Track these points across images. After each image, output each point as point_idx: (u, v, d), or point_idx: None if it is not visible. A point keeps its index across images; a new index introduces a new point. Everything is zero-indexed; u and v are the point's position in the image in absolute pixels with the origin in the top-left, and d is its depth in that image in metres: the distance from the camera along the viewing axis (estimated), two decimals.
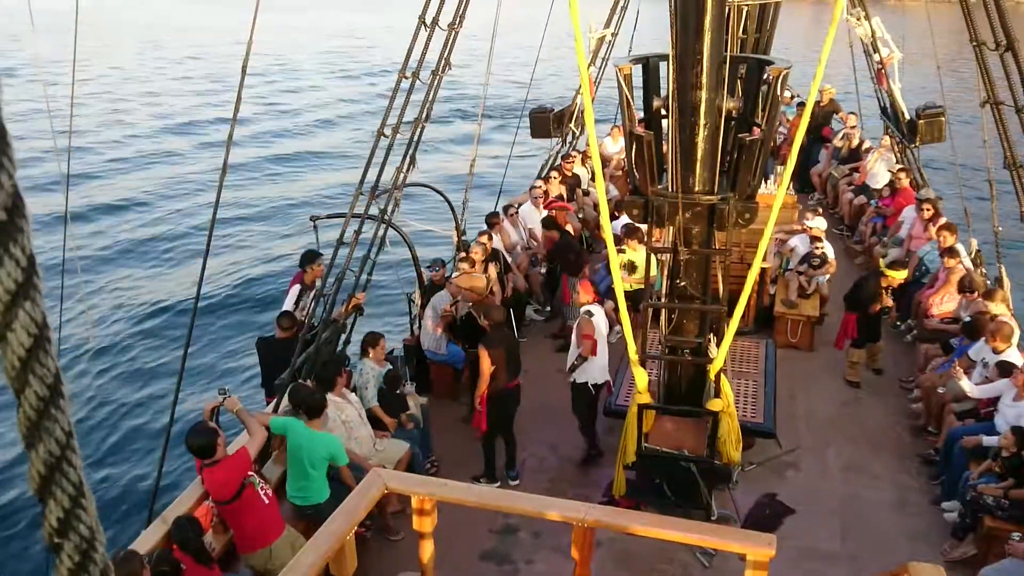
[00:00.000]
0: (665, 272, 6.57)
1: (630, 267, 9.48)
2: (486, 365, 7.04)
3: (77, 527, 1.05)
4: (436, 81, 8.08)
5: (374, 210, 7.83)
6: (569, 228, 11.43)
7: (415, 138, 8.08)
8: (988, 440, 6.73)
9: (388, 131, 7.43)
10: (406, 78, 7.67)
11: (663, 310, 6.59)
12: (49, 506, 1.03)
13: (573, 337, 7.57)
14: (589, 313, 7.54)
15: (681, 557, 6.35)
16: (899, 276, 9.43)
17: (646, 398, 6.40)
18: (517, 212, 11.60)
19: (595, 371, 7.46)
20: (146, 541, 5.08)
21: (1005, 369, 7.09)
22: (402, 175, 8.00)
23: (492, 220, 11.06)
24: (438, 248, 13.15)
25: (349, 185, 7.82)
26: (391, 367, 7.67)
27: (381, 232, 8.01)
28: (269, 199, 22.85)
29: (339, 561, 4.27)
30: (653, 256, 6.45)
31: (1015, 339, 7.52)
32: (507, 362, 7.20)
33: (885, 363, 9.69)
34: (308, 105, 37.13)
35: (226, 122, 6.25)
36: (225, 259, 18.09)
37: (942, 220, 10.51)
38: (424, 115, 8.11)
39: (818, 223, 10.79)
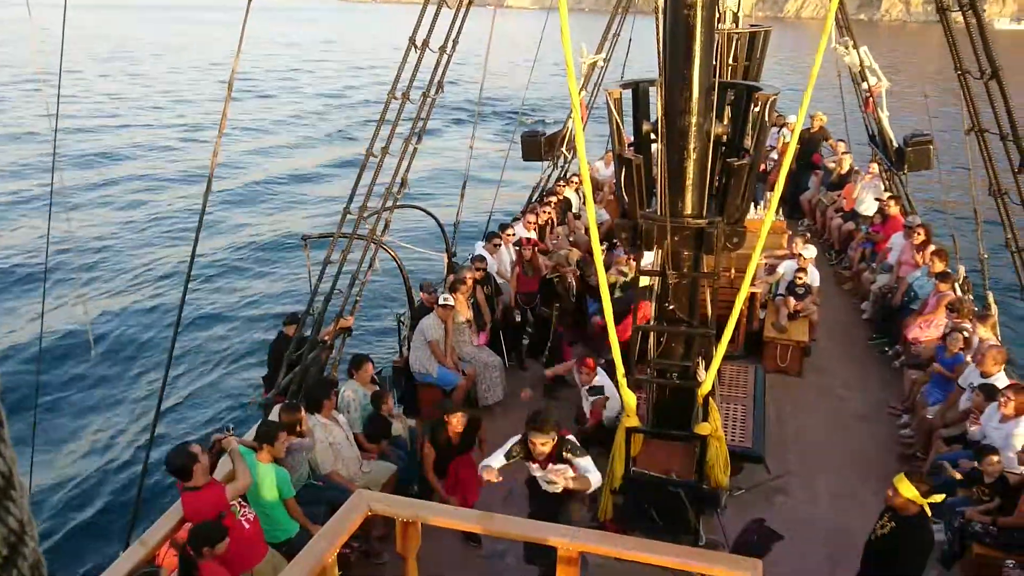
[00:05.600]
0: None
1: (622, 288, 9.49)
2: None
3: (5, 519, 1.02)
4: (428, 104, 8.11)
5: (364, 230, 7.81)
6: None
7: (407, 159, 8.09)
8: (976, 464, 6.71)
9: (377, 151, 7.44)
10: (396, 99, 7.70)
11: (652, 333, 6.59)
12: None
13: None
14: (601, 390, 7.78)
15: None
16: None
17: (634, 422, 6.37)
18: (514, 234, 11.61)
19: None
20: (124, 564, 4.99)
21: (988, 392, 7.10)
22: (393, 196, 8.01)
23: (490, 237, 11.07)
24: (428, 270, 13.17)
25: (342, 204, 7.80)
26: (377, 389, 7.62)
27: (371, 253, 8.00)
28: (259, 219, 22.85)
29: None
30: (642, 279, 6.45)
31: (1003, 365, 7.54)
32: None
33: (874, 389, 9.70)
34: (298, 124, 37.26)
35: (208, 143, 6.24)
36: (212, 280, 18.05)
37: (932, 246, 10.58)
38: (416, 137, 8.13)
39: (810, 251, 10.86)
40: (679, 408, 6.46)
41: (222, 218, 22.10)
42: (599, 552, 4.90)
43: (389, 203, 7.96)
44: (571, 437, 5.75)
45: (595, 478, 5.59)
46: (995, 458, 6.37)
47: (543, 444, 5.05)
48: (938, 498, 5.08)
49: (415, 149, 8.21)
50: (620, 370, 6.21)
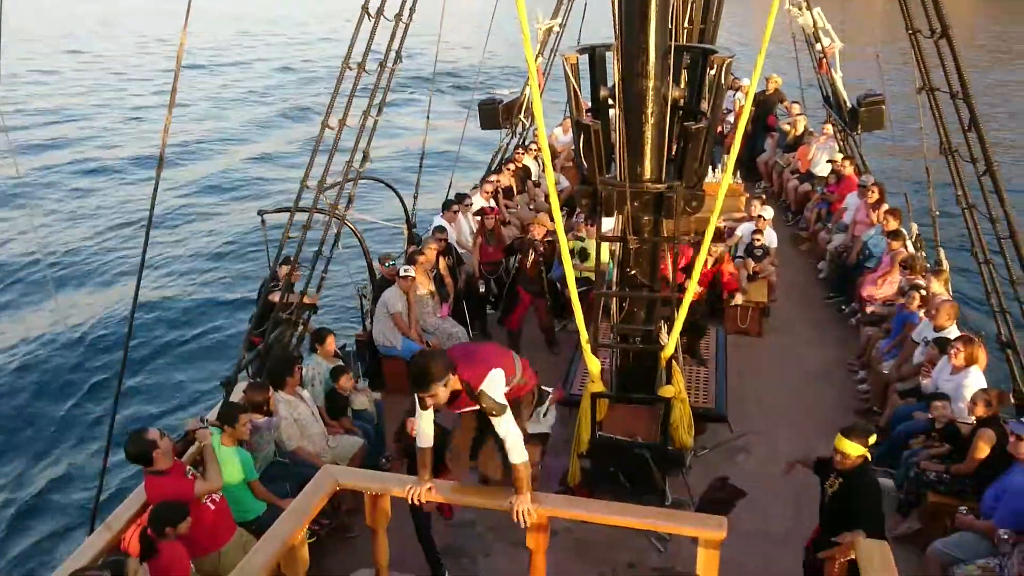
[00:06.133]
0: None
1: (581, 255, 9.51)
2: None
3: None
4: (387, 75, 7.97)
5: (323, 203, 7.71)
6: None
7: (366, 131, 7.96)
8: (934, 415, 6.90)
9: (334, 124, 7.31)
10: (350, 69, 7.56)
11: (614, 298, 6.63)
12: None
13: None
14: None
15: (636, 543, 6.40)
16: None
17: (599, 387, 6.44)
18: (472, 203, 11.55)
19: None
20: (89, 550, 4.94)
21: (942, 345, 7.29)
22: (354, 168, 7.89)
23: (447, 207, 11.00)
24: (388, 242, 13.07)
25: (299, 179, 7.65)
26: (341, 363, 7.57)
27: (334, 228, 7.90)
28: (214, 196, 22.41)
29: (291, 561, 4.20)
30: (604, 244, 6.48)
31: (955, 318, 7.73)
32: None
33: (832, 347, 9.92)
34: (252, 96, 36.44)
35: (159, 113, 6.05)
36: (168, 257, 17.72)
37: (886, 205, 10.77)
38: (376, 109, 8.00)
39: (767, 213, 11.01)
40: (643, 372, 6.54)
41: (176, 196, 21.62)
42: (567, 516, 4.96)
43: (350, 176, 7.85)
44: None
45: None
46: (939, 403, 6.56)
47: (430, 397, 4.26)
48: (872, 439, 5.13)
49: (376, 121, 8.09)
50: (584, 335, 6.26)
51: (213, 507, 5.30)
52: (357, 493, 4.86)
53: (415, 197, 10.97)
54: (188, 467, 5.41)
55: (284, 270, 8.01)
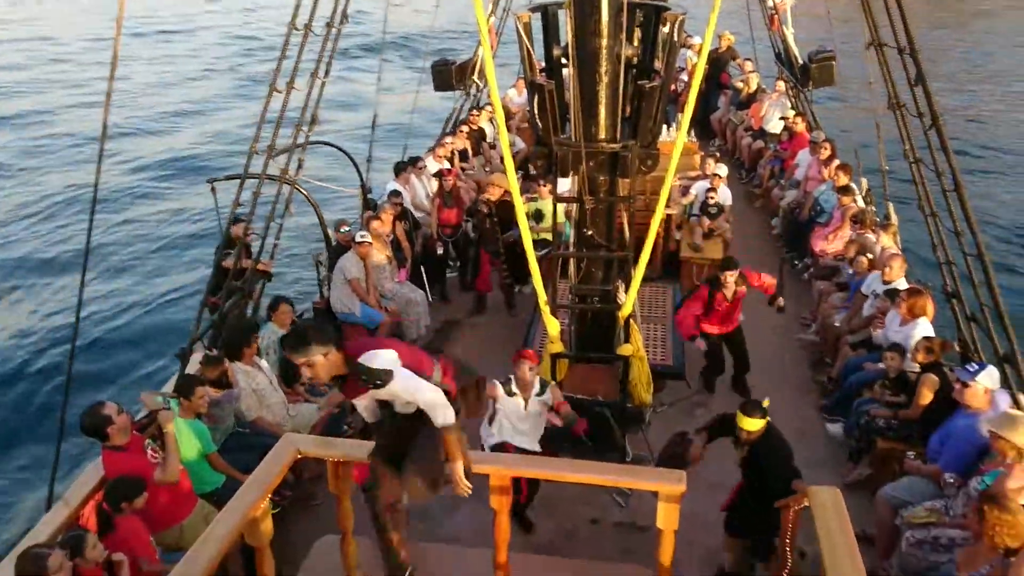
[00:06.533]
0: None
1: (537, 216, 9.51)
2: None
3: None
4: (335, 34, 7.79)
5: (274, 170, 7.56)
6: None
7: (314, 94, 7.79)
8: (882, 365, 7.10)
9: (282, 86, 7.14)
10: (297, 30, 7.37)
11: (572, 259, 6.66)
12: None
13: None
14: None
15: (599, 499, 6.51)
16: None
17: (559, 347, 6.49)
18: (425, 166, 11.44)
19: None
20: (46, 528, 4.87)
21: (892, 297, 7.47)
22: (303, 133, 7.73)
23: (399, 170, 10.88)
24: (343, 208, 12.90)
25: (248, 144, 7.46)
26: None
27: (285, 194, 7.76)
28: (161, 165, 21.78)
29: (254, 531, 4.19)
30: (560, 205, 6.48)
31: (903, 271, 7.92)
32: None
33: (787, 300, 10.09)
34: (197, 63, 35.34)
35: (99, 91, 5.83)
36: (116, 227, 17.27)
37: (837, 161, 10.92)
38: (323, 70, 7.83)
39: (721, 171, 11.09)
40: (601, 331, 6.60)
41: (121, 169, 20.96)
42: (531, 475, 5.02)
43: (300, 140, 7.70)
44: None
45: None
46: (891, 355, 6.74)
47: (307, 367, 3.86)
48: (766, 402, 5.26)
49: (323, 83, 7.92)
50: (542, 297, 6.29)
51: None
52: (320, 461, 4.84)
53: (368, 161, 10.81)
54: (148, 442, 5.31)
55: (237, 229, 7.90)
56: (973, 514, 4.18)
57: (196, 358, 6.66)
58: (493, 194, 9.43)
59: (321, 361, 3.85)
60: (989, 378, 5.56)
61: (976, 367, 5.68)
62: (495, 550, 4.62)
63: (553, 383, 6.01)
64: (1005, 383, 5.62)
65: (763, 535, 5.36)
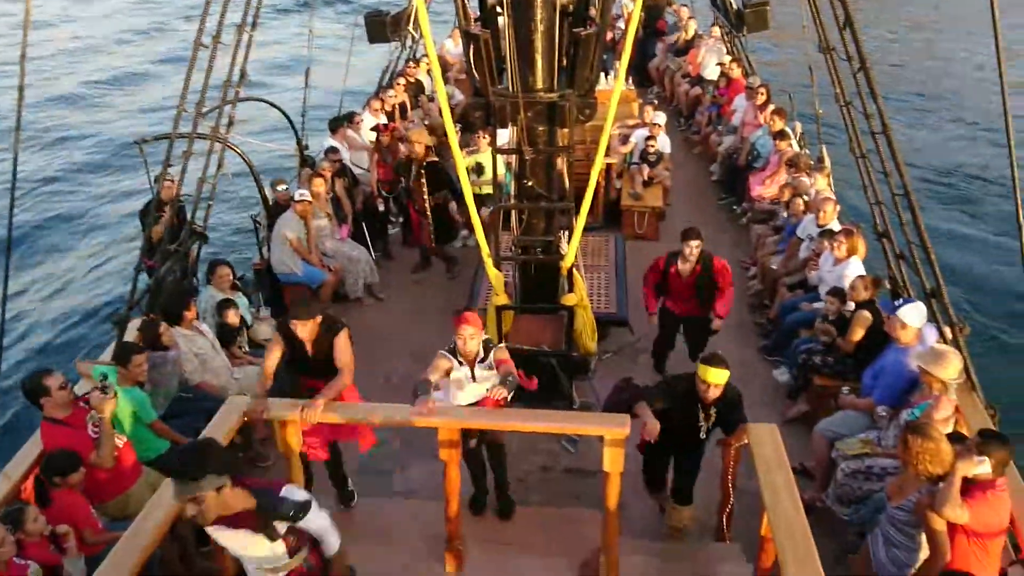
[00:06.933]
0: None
1: (477, 169, 9.44)
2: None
3: None
4: None
5: (205, 129, 7.32)
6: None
7: (242, 48, 7.53)
8: (819, 305, 7.32)
9: (207, 41, 6.88)
10: None
11: (513, 211, 6.66)
12: None
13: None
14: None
15: (548, 447, 6.62)
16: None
17: (503, 299, 6.52)
18: (363, 121, 11.21)
19: None
20: None
21: (826, 239, 7.67)
22: (232, 88, 7.49)
23: (335, 126, 10.66)
24: (280, 166, 12.62)
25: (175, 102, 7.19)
26: (229, 297, 7.35)
27: (217, 153, 7.54)
28: (86, 127, 20.89)
29: None
30: (499, 157, 6.44)
31: (836, 213, 8.13)
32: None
33: (725, 246, 10.29)
34: (114, 20, 33.72)
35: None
36: (40, 193, 16.59)
37: (772, 106, 11.06)
38: (250, 21, 7.55)
39: (659, 118, 11.15)
40: (545, 282, 6.64)
41: (43, 129, 20.06)
42: (480, 427, 5.08)
43: (229, 96, 7.46)
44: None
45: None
46: (831, 298, 6.95)
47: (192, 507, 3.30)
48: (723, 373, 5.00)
49: (251, 37, 7.66)
50: (485, 250, 6.29)
51: (116, 452, 5.14)
52: (268, 421, 4.82)
53: (303, 118, 10.56)
54: (91, 415, 5.14)
55: (166, 190, 7.70)
56: (900, 444, 4.36)
57: (135, 324, 6.51)
58: (419, 151, 9.13)
59: (213, 496, 3.27)
60: (917, 313, 5.79)
61: (904, 303, 5.90)
62: (447, 501, 4.68)
63: (501, 345, 5.32)
64: (933, 318, 5.84)
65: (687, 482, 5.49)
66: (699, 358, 5.13)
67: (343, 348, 5.09)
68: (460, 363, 5.11)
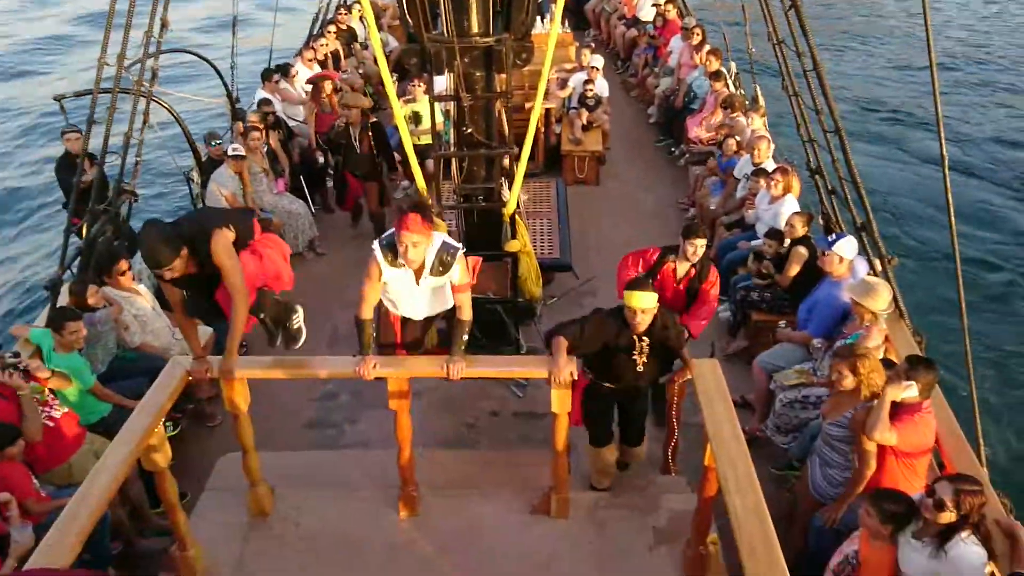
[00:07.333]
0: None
1: (415, 118, 9.30)
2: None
3: None
4: None
5: (128, 83, 7.04)
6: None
7: None
8: (756, 243, 7.49)
9: None
10: None
11: (454, 159, 6.60)
12: None
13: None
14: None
15: (497, 392, 6.71)
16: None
17: (443, 227, 6.50)
18: (296, 72, 10.90)
19: None
20: None
21: (762, 177, 7.82)
22: (154, 39, 7.19)
23: (267, 77, 10.36)
24: (210, 120, 12.24)
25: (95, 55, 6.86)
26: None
27: (142, 107, 7.27)
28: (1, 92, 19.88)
29: (150, 456, 4.12)
30: (436, 105, 6.36)
31: (771, 152, 8.27)
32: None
33: (664, 188, 10.42)
34: None
35: None
36: None
37: (708, 46, 11.11)
38: None
39: (597, 62, 11.10)
40: (488, 229, 6.65)
41: None
42: (428, 375, 5.10)
43: (151, 48, 7.16)
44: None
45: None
46: (768, 241, 7.10)
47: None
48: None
49: None
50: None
51: (52, 423, 5.02)
52: (214, 380, 4.76)
53: (232, 69, 10.22)
54: (24, 390, 4.98)
55: (71, 143, 7.46)
56: (844, 369, 4.54)
57: (68, 288, 6.33)
58: (353, 119, 8.64)
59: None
60: (848, 247, 5.98)
61: (836, 237, 6.08)
62: (399, 449, 4.73)
63: (461, 256, 4.51)
64: (863, 251, 6.03)
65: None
66: (626, 284, 4.70)
67: (224, 260, 4.27)
68: (400, 265, 4.42)
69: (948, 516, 3.63)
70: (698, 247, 5.66)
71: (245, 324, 4.44)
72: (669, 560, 4.62)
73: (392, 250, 4.37)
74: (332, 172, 9.99)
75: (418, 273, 4.47)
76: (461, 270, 4.50)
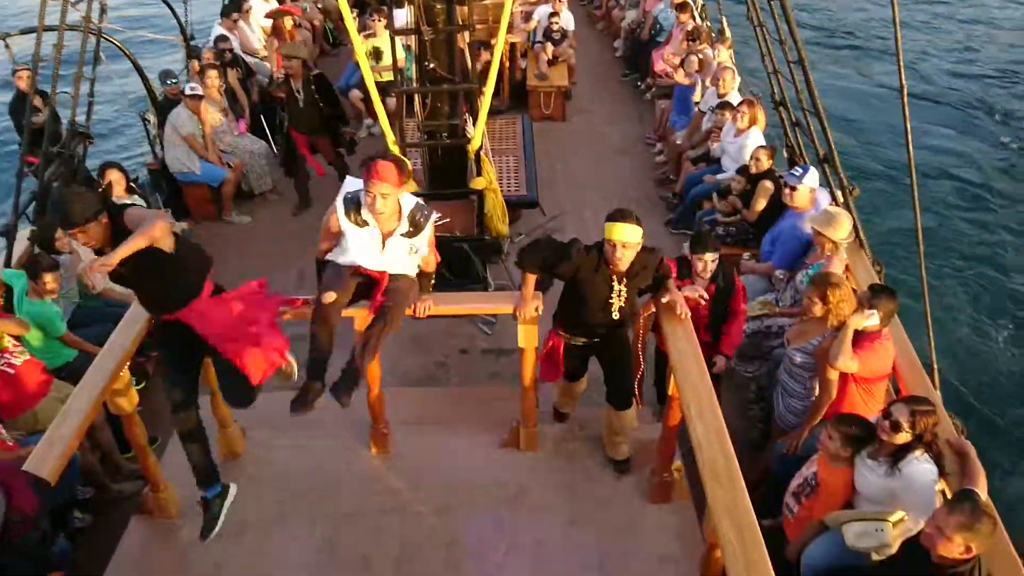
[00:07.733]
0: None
1: (375, 54, 9.09)
2: None
3: None
4: None
5: (74, 18, 6.78)
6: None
7: None
8: (721, 176, 7.51)
9: None
10: None
11: (417, 96, 6.49)
12: None
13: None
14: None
15: (466, 330, 6.75)
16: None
17: (412, 187, 6.44)
18: (251, 8, 10.56)
19: None
20: None
21: (727, 110, 7.80)
22: None
23: (225, 13, 10.03)
24: (165, 58, 11.87)
25: None
26: (138, 197, 7.04)
27: (92, 44, 7.02)
28: None
29: (116, 400, 4.11)
30: (398, 40, 6.22)
31: (736, 84, 8.24)
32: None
33: (630, 123, 10.35)
34: None
35: None
36: None
37: None
38: None
39: None
40: (453, 167, 6.59)
41: None
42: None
43: None
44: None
45: None
46: (736, 178, 7.11)
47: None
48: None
49: None
50: (390, 137, 6.16)
51: (13, 371, 4.95)
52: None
53: (186, 5, 9.87)
54: None
55: (21, 81, 7.15)
56: (815, 296, 4.57)
57: (23, 234, 6.19)
58: (295, 73, 7.71)
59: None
60: (811, 178, 6.02)
61: (801, 170, 6.12)
62: (368, 387, 4.76)
63: (432, 222, 4.19)
64: (825, 182, 6.08)
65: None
66: (608, 215, 4.20)
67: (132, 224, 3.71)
68: (364, 224, 4.00)
69: (904, 436, 3.76)
70: (708, 262, 5.03)
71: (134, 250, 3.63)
72: (636, 487, 4.75)
73: (356, 207, 3.95)
74: (272, 134, 9.14)
75: (386, 236, 4.05)
76: (430, 240, 4.20)
